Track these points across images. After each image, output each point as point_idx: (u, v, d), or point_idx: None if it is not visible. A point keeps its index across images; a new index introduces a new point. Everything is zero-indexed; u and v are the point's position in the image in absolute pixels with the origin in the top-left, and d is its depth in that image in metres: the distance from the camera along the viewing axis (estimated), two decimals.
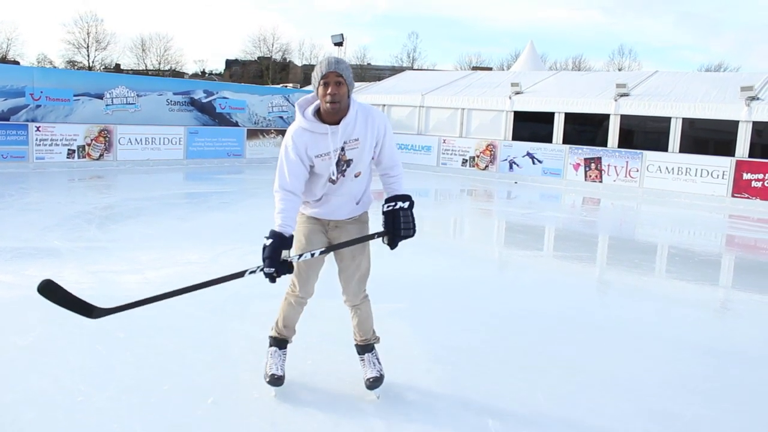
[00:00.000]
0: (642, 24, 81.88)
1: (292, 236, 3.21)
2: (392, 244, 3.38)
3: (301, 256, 3.31)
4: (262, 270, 3.15)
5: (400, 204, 3.36)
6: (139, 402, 3.45)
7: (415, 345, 4.56)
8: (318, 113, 3.28)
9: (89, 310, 3.26)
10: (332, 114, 3.23)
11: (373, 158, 3.46)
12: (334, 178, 3.35)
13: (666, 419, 3.60)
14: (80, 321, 4.63)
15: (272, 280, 3.14)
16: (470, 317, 5.32)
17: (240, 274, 3.24)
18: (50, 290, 3.21)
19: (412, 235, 3.38)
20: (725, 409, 3.82)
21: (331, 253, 3.49)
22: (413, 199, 3.44)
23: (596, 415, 3.60)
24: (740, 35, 77.01)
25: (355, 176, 3.41)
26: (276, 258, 3.11)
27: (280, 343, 3.71)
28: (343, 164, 3.34)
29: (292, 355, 3.82)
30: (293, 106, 20.38)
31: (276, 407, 3.47)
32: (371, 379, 3.60)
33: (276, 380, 3.57)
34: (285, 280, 3.46)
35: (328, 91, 3.17)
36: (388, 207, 3.38)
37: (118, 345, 4.26)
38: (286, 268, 3.15)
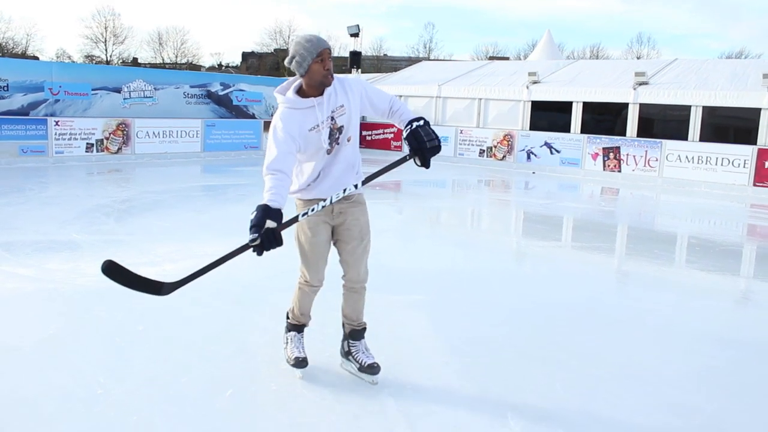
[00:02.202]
0: (660, 11, 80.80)
1: (279, 210, 3.08)
2: (424, 162, 3.37)
3: (306, 214, 3.28)
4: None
5: (416, 124, 3.38)
6: (157, 394, 3.47)
7: (434, 337, 4.53)
8: (299, 92, 3.39)
9: (157, 288, 3.28)
10: (320, 87, 3.33)
11: (364, 118, 3.52)
12: (328, 147, 3.41)
13: (687, 412, 3.55)
14: (98, 314, 4.71)
15: (258, 250, 3.03)
16: (488, 309, 5.29)
17: (243, 248, 3.17)
18: (113, 271, 3.12)
19: (438, 146, 3.36)
20: (748, 403, 3.77)
21: (333, 240, 3.58)
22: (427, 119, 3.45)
23: (615, 408, 3.56)
24: (760, 21, 75.68)
25: (348, 140, 3.49)
26: (260, 226, 3.00)
27: (297, 328, 3.79)
28: (335, 132, 3.42)
29: (309, 347, 3.81)
30: None
31: (294, 400, 3.47)
32: (374, 365, 3.64)
33: (301, 362, 3.64)
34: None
35: (327, 66, 3.29)
36: (407, 131, 3.40)
37: (137, 338, 4.28)
38: (271, 236, 3.00)
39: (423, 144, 3.32)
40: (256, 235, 3.00)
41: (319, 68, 3.28)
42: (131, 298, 5.08)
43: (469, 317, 5.05)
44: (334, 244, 3.64)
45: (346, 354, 3.79)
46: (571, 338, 4.66)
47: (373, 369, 3.64)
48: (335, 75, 3.44)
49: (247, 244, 3.08)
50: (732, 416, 3.57)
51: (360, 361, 3.69)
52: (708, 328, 5.12)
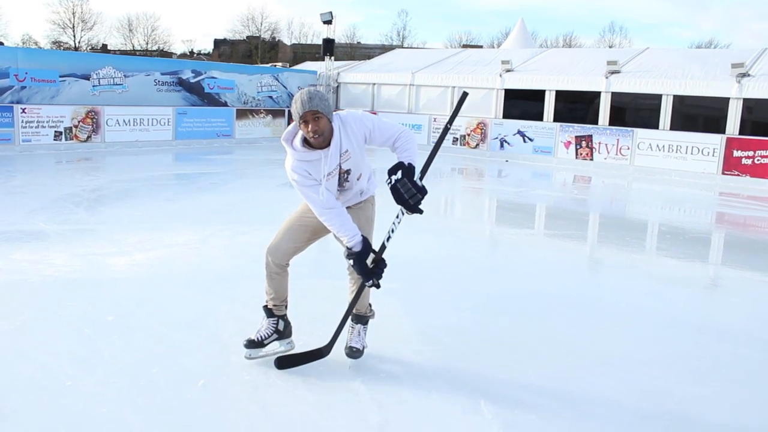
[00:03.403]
0: (631, 1, 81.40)
1: (367, 240, 3.51)
2: (412, 211, 3.44)
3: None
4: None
5: (393, 178, 3.38)
6: (128, 385, 3.42)
7: (407, 325, 4.54)
8: (306, 141, 3.43)
9: (321, 353, 3.66)
10: (319, 145, 3.40)
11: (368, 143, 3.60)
12: (337, 189, 3.58)
13: (657, 398, 3.60)
14: (68, 304, 4.63)
15: (377, 286, 3.48)
16: (461, 297, 5.30)
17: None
18: (287, 362, 3.63)
19: (421, 198, 3.39)
20: (716, 387, 3.83)
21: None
22: (409, 162, 3.42)
23: (588, 394, 3.59)
24: (729, 12, 76.65)
25: (357, 179, 3.62)
26: (366, 269, 3.42)
27: (268, 311, 3.81)
28: (344, 175, 3.53)
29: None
30: (283, 86, 20.34)
31: (266, 390, 3.45)
32: (354, 349, 3.71)
33: (249, 342, 3.78)
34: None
35: (309, 128, 3.31)
36: (388, 184, 3.42)
37: (107, 328, 4.21)
38: (378, 269, 3.46)
39: (406, 203, 3.39)
40: (370, 280, 3.45)
41: (303, 129, 3.34)
42: (100, 288, 5.04)
43: (442, 305, 5.06)
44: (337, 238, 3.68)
45: (338, 329, 3.79)
46: (543, 325, 4.70)
47: (352, 351, 3.71)
48: (340, 116, 3.48)
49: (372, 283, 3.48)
50: (701, 401, 3.62)
51: (347, 341, 3.76)
52: (677, 314, 5.19)
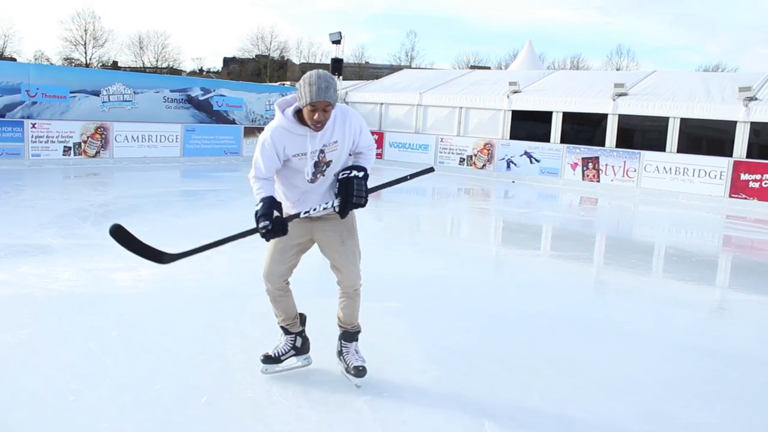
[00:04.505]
0: (638, 24, 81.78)
1: (279, 202, 3.40)
2: (343, 211, 3.46)
3: (308, 212, 3.45)
4: (256, 230, 3.33)
5: (354, 173, 3.46)
6: (131, 401, 3.42)
7: (411, 345, 4.52)
8: (298, 114, 3.38)
9: (159, 256, 3.44)
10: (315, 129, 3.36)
11: (350, 154, 3.62)
12: (310, 177, 3.46)
13: (662, 422, 3.57)
14: (72, 319, 4.64)
15: (267, 236, 3.30)
16: (466, 317, 5.29)
17: (251, 231, 3.40)
18: (121, 235, 3.35)
19: (363, 205, 3.45)
20: (723, 412, 3.79)
21: (320, 249, 3.69)
22: (368, 173, 3.53)
23: (592, 417, 3.57)
24: (736, 36, 76.98)
25: (334, 175, 3.54)
26: (270, 214, 3.29)
27: (286, 330, 3.84)
28: (323, 165, 3.47)
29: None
30: None
31: (270, 407, 3.44)
32: (360, 368, 3.68)
33: (265, 359, 3.79)
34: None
35: (315, 117, 3.25)
36: (342, 175, 3.48)
37: (111, 343, 4.22)
38: (280, 224, 3.29)
39: (350, 197, 3.42)
40: (268, 222, 3.27)
41: (308, 114, 3.27)
42: (106, 303, 5.05)
43: (446, 325, 5.04)
44: (322, 252, 3.70)
45: (339, 354, 3.82)
46: (548, 347, 4.67)
47: (357, 371, 3.67)
48: (340, 106, 3.48)
49: (256, 229, 3.32)
50: (706, 426, 3.59)
51: (348, 363, 3.73)
52: (684, 337, 5.16)
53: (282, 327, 3.82)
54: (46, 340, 4.25)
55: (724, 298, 6.97)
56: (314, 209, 3.45)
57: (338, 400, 3.56)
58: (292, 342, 3.82)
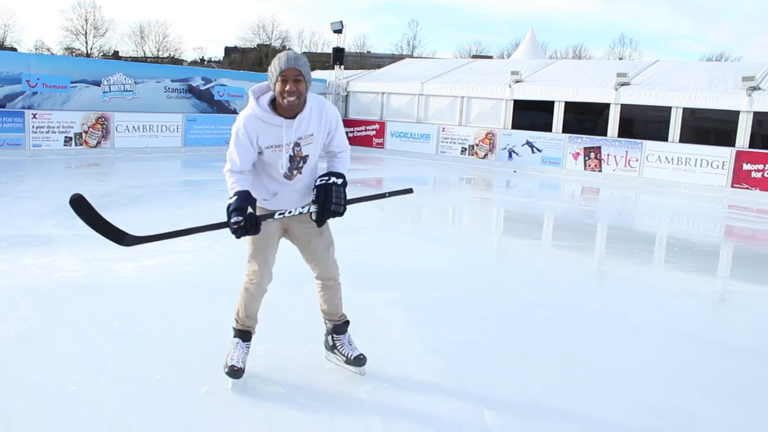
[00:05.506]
0: (640, 13, 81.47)
1: (254, 198, 3.23)
2: (320, 220, 3.33)
3: (282, 214, 3.32)
4: (227, 224, 3.15)
5: (333, 179, 3.35)
6: (132, 392, 3.42)
7: (412, 336, 4.52)
8: (273, 103, 3.27)
9: (120, 236, 3.19)
10: (289, 110, 3.23)
11: (325, 153, 3.52)
12: (283, 171, 3.34)
13: (665, 412, 3.56)
14: (73, 310, 4.64)
15: (237, 233, 3.13)
16: (468, 308, 5.28)
17: (222, 225, 3.24)
18: (80, 206, 3.12)
19: (342, 213, 3.33)
20: (725, 402, 3.79)
21: (293, 240, 3.59)
22: (347, 180, 3.44)
23: (594, 408, 3.56)
24: (738, 24, 76.59)
25: (310, 171, 3.46)
26: (243, 209, 3.13)
27: (244, 334, 3.62)
28: (298, 160, 3.35)
29: (287, 345, 3.79)
30: None
31: (270, 398, 3.44)
32: (360, 357, 3.66)
33: (235, 372, 3.47)
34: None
35: (287, 87, 3.14)
36: (320, 181, 3.36)
37: (112, 334, 4.22)
38: (253, 221, 3.14)
39: (328, 204, 3.29)
40: (241, 218, 3.10)
41: (279, 88, 3.16)
42: (106, 293, 5.05)
43: (447, 316, 5.04)
44: (296, 245, 3.62)
45: (332, 348, 3.79)
46: (549, 337, 4.67)
47: (359, 361, 3.66)
48: (317, 97, 3.37)
49: (227, 223, 3.15)
50: (709, 416, 3.59)
51: (346, 354, 3.70)
52: (686, 328, 5.15)
53: (249, 333, 3.63)
54: (47, 330, 4.25)
55: (725, 289, 6.96)
56: (289, 212, 3.33)
57: (339, 390, 3.56)
58: (248, 348, 3.64)
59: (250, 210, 3.15)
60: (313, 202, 3.35)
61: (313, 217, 3.34)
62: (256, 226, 3.16)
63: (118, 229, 3.19)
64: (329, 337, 3.80)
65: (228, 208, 3.14)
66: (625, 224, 11.14)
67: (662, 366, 4.26)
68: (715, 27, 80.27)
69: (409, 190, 3.78)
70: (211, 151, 17.56)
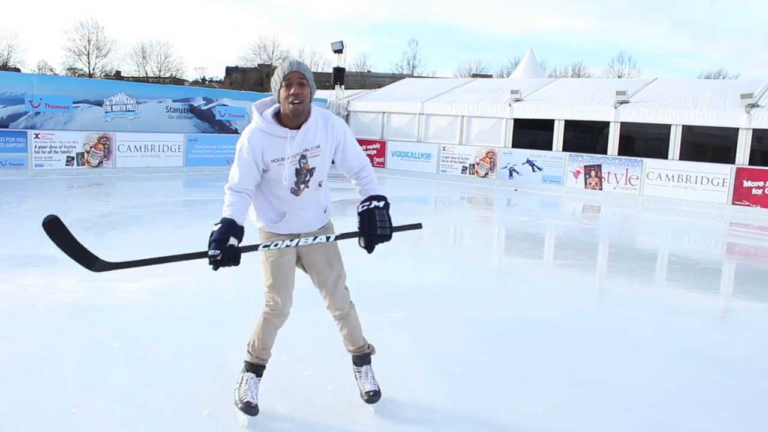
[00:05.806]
0: (639, 31, 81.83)
1: (242, 228, 3.07)
2: (369, 246, 3.21)
3: (267, 246, 3.17)
4: (206, 254, 2.97)
5: (375, 203, 3.22)
6: (133, 414, 3.40)
7: (414, 356, 4.51)
8: (277, 116, 3.18)
9: (91, 261, 3.05)
10: (294, 117, 3.12)
11: (334, 162, 3.36)
12: (292, 186, 3.23)
13: (668, 431, 3.54)
14: (74, 331, 4.63)
15: (215, 265, 2.96)
16: (469, 327, 5.27)
17: (199, 254, 3.08)
18: (54, 228, 2.97)
19: (389, 236, 3.20)
20: (728, 419, 3.77)
21: (305, 269, 3.46)
22: (389, 200, 3.31)
23: (597, 427, 3.55)
24: (735, 42, 76.94)
25: (319, 185, 3.32)
26: (224, 241, 2.96)
27: (256, 369, 3.46)
28: (305, 173, 3.22)
29: (289, 365, 3.77)
30: None
31: (271, 421, 3.42)
32: (371, 393, 3.53)
33: (251, 408, 3.31)
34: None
35: (291, 91, 3.05)
36: (363, 207, 3.24)
37: (113, 355, 4.21)
38: (232, 255, 2.97)
39: (374, 229, 3.17)
40: (218, 252, 2.95)
41: (284, 93, 3.08)
42: (107, 314, 5.04)
43: (450, 335, 5.03)
44: (308, 274, 3.52)
45: (355, 377, 3.68)
46: (552, 357, 4.65)
47: (369, 397, 3.52)
48: (322, 110, 3.27)
49: (205, 254, 2.99)
50: None
51: (361, 388, 3.59)
52: (688, 345, 5.13)
53: (262, 367, 3.46)
54: (48, 351, 4.24)
55: (727, 306, 6.95)
56: (297, 242, 3.18)
57: (341, 411, 3.54)
58: (257, 379, 3.47)
59: (232, 241, 2.99)
60: (360, 230, 3.22)
61: (362, 244, 3.21)
62: (236, 259, 2.99)
63: (90, 254, 3.05)
64: (353, 366, 3.68)
65: (210, 236, 3.00)
66: (627, 242, 11.13)
67: (665, 384, 4.24)
68: (713, 45, 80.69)
69: (419, 225, 3.51)
70: (213, 171, 17.60)
